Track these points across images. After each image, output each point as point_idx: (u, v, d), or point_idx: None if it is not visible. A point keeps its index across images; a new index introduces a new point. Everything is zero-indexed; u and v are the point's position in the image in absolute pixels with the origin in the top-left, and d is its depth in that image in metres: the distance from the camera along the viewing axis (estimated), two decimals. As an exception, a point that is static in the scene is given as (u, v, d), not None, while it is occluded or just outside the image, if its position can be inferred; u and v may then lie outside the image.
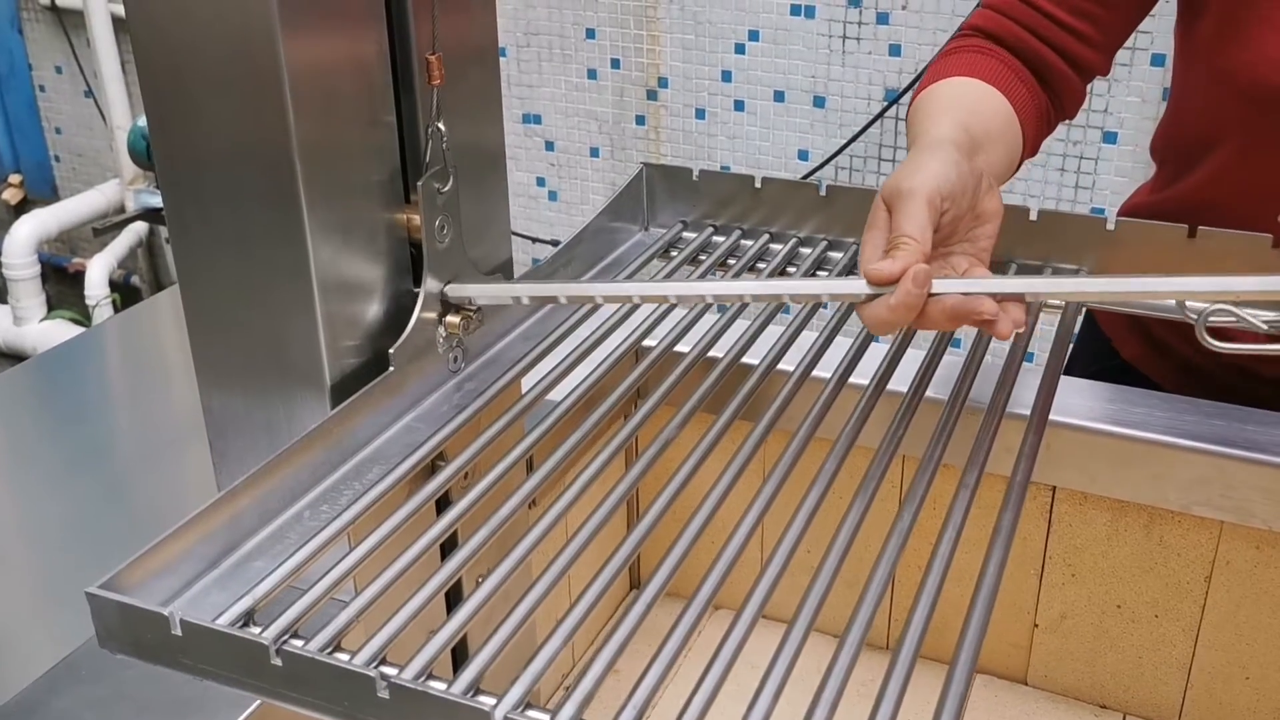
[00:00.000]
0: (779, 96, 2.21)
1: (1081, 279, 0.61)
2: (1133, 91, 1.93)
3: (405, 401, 0.67)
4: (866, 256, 0.63)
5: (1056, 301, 0.80)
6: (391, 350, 0.65)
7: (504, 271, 0.76)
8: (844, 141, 2.17)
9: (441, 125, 0.65)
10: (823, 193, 0.86)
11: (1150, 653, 0.90)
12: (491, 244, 0.75)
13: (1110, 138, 1.97)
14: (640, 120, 2.36)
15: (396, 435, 0.66)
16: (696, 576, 0.55)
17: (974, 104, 0.78)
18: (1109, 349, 1.02)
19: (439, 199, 0.66)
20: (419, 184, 0.65)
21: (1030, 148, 0.83)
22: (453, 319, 0.69)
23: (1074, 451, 0.82)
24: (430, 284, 0.67)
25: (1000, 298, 0.61)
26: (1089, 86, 0.89)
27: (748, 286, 0.67)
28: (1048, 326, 0.75)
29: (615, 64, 2.33)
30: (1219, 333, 0.62)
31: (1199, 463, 0.78)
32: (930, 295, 0.60)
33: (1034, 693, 0.95)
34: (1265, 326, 0.58)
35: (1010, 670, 0.96)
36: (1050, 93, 0.85)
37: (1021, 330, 0.61)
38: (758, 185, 0.88)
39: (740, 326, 0.78)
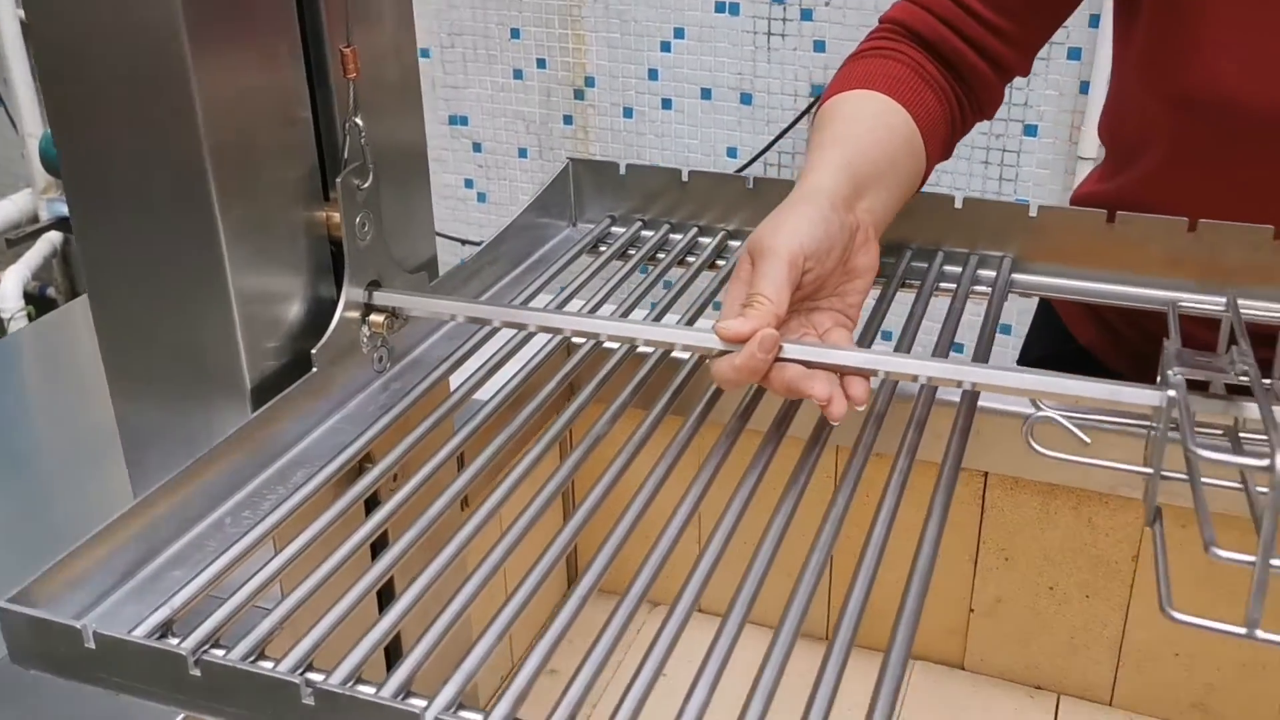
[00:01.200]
0: (706, 94, 2.21)
1: (929, 361, 0.62)
2: (1051, 85, 1.96)
3: (330, 403, 0.66)
4: (724, 310, 0.64)
5: (982, 288, 0.81)
6: (314, 351, 0.64)
7: (428, 270, 0.74)
8: (772, 138, 2.17)
9: (359, 120, 0.64)
10: (750, 186, 0.86)
11: (1082, 633, 0.91)
12: (414, 242, 0.73)
13: (1031, 130, 2.00)
14: (568, 120, 2.35)
15: (321, 437, 0.64)
16: (633, 571, 0.55)
17: (867, 133, 0.75)
18: (1065, 333, 1.01)
19: (359, 195, 0.65)
20: (338, 180, 0.64)
21: (938, 156, 0.81)
22: (376, 318, 0.68)
23: (1004, 436, 0.83)
24: (352, 283, 0.66)
25: (845, 371, 0.61)
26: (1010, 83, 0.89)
27: (606, 326, 0.68)
28: (974, 317, 0.75)
29: (541, 64, 2.32)
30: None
31: (1122, 444, 0.79)
32: (779, 359, 0.61)
33: (971, 677, 0.96)
34: (1089, 441, 0.61)
35: (948, 655, 0.96)
36: (967, 91, 0.84)
37: (861, 409, 0.62)
38: (685, 179, 0.88)
39: (671, 321, 0.77)
